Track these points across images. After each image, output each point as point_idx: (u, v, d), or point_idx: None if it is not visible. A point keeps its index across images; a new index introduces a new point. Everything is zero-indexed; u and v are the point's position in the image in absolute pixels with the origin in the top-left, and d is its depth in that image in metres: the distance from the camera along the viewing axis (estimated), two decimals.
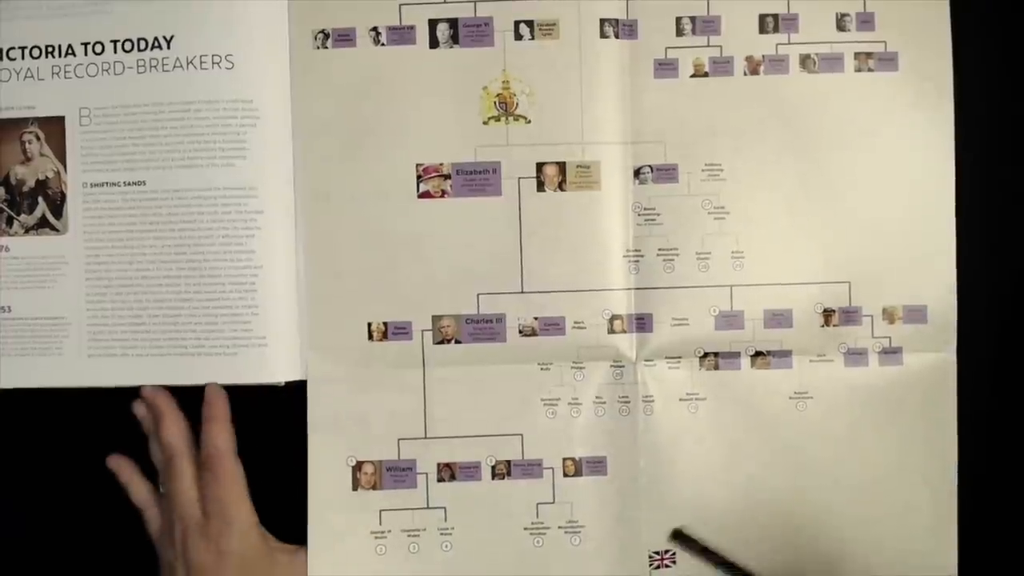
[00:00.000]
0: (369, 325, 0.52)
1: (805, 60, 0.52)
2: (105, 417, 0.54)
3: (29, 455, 0.55)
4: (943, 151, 0.52)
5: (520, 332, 0.52)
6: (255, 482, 0.51)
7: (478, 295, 0.52)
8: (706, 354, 0.52)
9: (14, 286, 0.52)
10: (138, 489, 0.52)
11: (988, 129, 0.53)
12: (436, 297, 0.52)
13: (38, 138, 0.52)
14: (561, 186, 0.52)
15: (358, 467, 0.52)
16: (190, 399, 0.52)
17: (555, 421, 0.52)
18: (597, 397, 0.52)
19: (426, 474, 0.52)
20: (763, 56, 0.52)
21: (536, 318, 0.52)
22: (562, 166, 0.52)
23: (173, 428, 0.51)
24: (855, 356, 0.52)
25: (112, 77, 0.52)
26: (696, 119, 0.52)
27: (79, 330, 0.52)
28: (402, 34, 0.52)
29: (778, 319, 0.52)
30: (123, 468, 0.53)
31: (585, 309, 0.52)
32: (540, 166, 0.52)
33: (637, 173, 0.52)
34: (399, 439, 0.52)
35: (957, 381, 0.52)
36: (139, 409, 0.52)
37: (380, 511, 0.52)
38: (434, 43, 0.52)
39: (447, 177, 0.52)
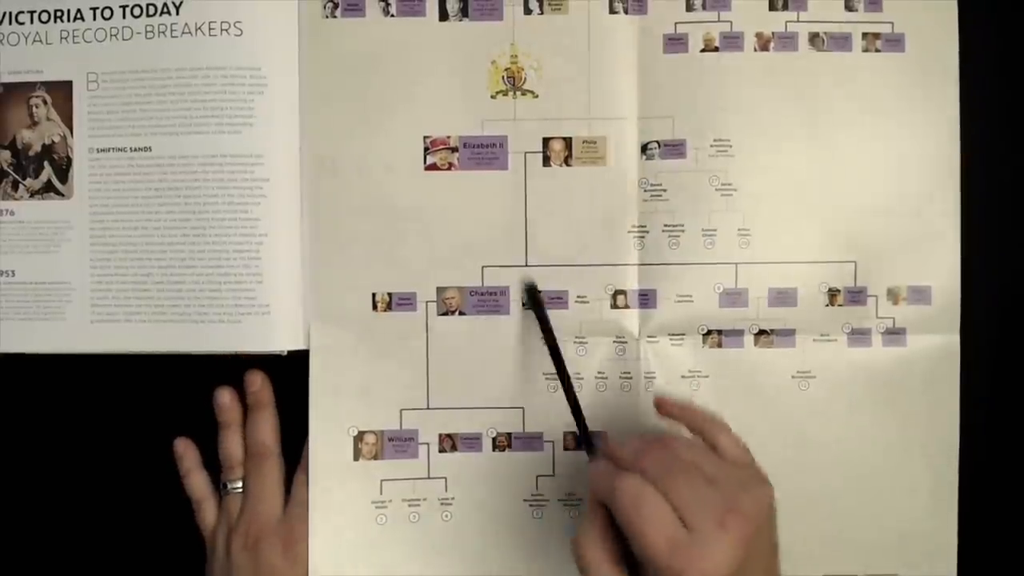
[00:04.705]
0: (373, 295, 0.52)
1: (814, 38, 0.52)
2: (106, 383, 0.54)
3: (29, 420, 0.55)
4: (949, 132, 0.52)
5: (523, 305, 0.52)
6: None
7: (482, 267, 0.52)
8: (709, 331, 0.52)
9: (18, 250, 0.52)
10: (197, 480, 0.52)
11: (994, 111, 0.52)
12: (441, 268, 0.52)
13: (45, 102, 0.52)
14: (567, 161, 0.52)
15: (360, 437, 0.52)
16: (191, 369, 0.52)
17: (557, 395, 0.52)
18: (599, 372, 0.52)
19: (427, 444, 0.52)
20: (772, 33, 0.52)
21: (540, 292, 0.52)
22: (568, 141, 0.52)
23: (269, 425, 0.51)
24: (859, 336, 0.52)
25: (120, 42, 0.52)
26: (705, 95, 0.52)
27: (82, 295, 0.52)
28: (412, 5, 0.52)
29: (783, 297, 0.52)
30: (188, 455, 0.52)
31: (589, 284, 0.52)
32: (547, 141, 0.52)
33: (644, 148, 0.52)
34: (401, 409, 0.52)
35: (960, 363, 0.52)
36: (223, 398, 0.51)
37: (381, 481, 0.52)
38: (443, 15, 0.52)
39: (454, 150, 0.52)
